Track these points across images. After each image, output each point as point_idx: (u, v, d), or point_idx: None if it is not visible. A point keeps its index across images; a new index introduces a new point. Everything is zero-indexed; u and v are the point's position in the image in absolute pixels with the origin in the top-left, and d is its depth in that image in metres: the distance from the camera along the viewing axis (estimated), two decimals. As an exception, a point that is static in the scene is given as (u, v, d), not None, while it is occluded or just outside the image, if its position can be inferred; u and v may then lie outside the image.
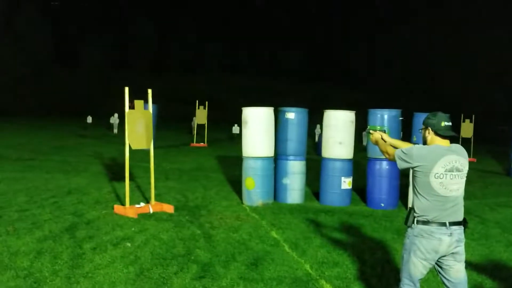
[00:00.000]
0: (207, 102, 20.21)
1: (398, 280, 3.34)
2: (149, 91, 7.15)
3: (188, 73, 55.19)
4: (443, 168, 2.97)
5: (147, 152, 7.27)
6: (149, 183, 7.26)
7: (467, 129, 17.85)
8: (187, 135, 24.24)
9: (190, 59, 58.84)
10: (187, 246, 5.28)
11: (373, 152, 8.06)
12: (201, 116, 20.27)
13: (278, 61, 58.73)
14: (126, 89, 6.72)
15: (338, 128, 8.10)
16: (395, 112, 8.00)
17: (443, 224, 2.98)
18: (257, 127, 7.81)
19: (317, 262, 4.90)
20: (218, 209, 7.32)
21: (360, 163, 10.07)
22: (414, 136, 8.09)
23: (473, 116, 17.98)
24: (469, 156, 17.39)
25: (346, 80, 49.77)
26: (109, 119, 26.83)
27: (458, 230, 3.00)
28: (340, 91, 44.64)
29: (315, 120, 11.54)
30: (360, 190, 8.81)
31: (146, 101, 7.10)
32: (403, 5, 55.15)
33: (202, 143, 20.00)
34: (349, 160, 8.17)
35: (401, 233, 5.60)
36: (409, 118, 8.56)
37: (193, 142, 20.14)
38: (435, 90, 40.55)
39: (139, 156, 11.03)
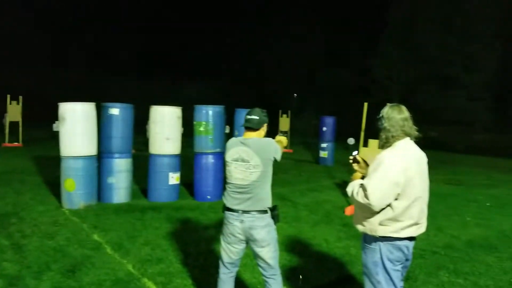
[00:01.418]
0: (21, 97, 18.03)
1: (218, 268, 3.52)
2: None
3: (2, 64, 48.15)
4: (231, 157, 3.26)
5: None
6: None
7: (284, 123, 19.77)
8: (-2, 134, 21.29)
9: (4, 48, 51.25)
10: (-9, 260, 4.69)
11: (199, 146, 8.33)
12: (14, 112, 18.00)
13: (109, 55, 55.31)
14: None
15: (164, 124, 8.12)
16: (218, 108, 8.38)
17: (235, 211, 3.24)
18: (76, 124, 7.30)
19: (140, 260, 4.86)
20: (32, 216, 6.65)
21: (189, 157, 10.26)
22: (236, 131, 8.61)
23: (289, 111, 19.98)
24: (286, 147, 19.32)
25: (178, 77, 49.95)
26: None
27: (251, 218, 3.21)
28: (172, 87, 44.63)
29: (147, 116, 11.32)
30: (189, 184, 9.00)
31: None
32: (233, 5, 57.81)
33: (16, 143, 17.83)
34: (176, 155, 8.27)
35: (223, 223, 5.92)
36: (231, 114, 9.07)
37: (5, 142, 17.79)
38: (263, 88, 43.65)
39: None
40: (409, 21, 35.86)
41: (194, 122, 8.41)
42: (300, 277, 4.58)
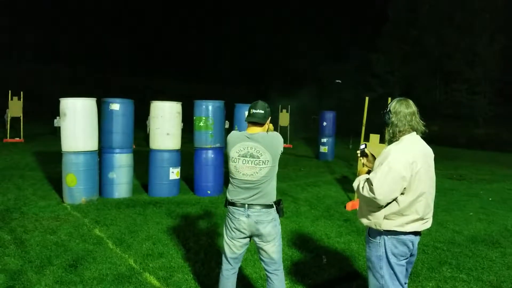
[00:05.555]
0: (22, 93, 18.03)
1: (219, 263, 3.52)
2: None
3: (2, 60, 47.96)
4: (237, 153, 3.17)
5: None
6: None
7: (284, 118, 19.75)
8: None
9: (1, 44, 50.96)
10: (-6, 255, 4.70)
11: (199, 142, 8.32)
12: (15, 108, 18.00)
13: (104, 51, 54.95)
14: None
15: (165, 119, 8.12)
16: (218, 103, 8.37)
17: (242, 206, 3.18)
18: (77, 119, 7.29)
19: (142, 255, 4.87)
20: (33, 211, 6.66)
21: (190, 153, 10.28)
22: (236, 126, 8.59)
23: (289, 106, 19.96)
24: (286, 142, 19.16)
25: (177, 73, 49.95)
26: None
27: (257, 213, 3.17)
28: (171, 83, 44.62)
29: (147, 112, 11.28)
30: (190, 179, 9.00)
31: None
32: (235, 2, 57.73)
33: (18, 138, 17.86)
34: (177, 150, 8.27)
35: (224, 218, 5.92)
36: (231, 109, 9.05)
37: (6, 138, 17.82)
38: (259, 84, 43.61)
39: None
40: (410, 15, 35.74)
41: (194, 117, 8.40)
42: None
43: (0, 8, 51.28)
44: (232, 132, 3.34)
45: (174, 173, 8.18)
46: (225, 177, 8.67)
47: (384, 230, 2.73)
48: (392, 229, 2.72)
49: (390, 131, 2.82)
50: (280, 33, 47.44)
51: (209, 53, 55.00)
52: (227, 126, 13.80)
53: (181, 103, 8.39)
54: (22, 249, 4.93)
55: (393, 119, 2.79)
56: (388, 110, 2.83)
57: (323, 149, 15.44)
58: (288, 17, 49.15)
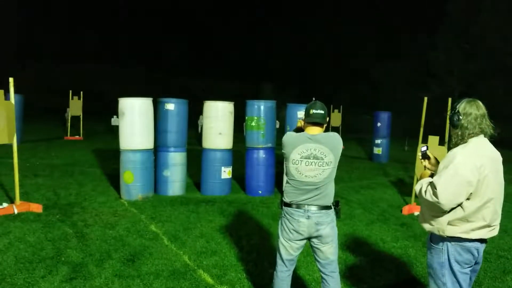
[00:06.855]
0: (82, 92, 18.95)
1: (272, 264, 3.50)
2: (11, 79, 6.46)
3: (60, 61, 50.67)
4: (299, 155, 3.11)
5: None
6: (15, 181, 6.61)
7: (336, 118, 19.43)
8: (61, 128, 22.46)
9: (61, 45, 53.81)
10: (57, 247, 4.95)
11: (251, 141, 8.35)
12: (75, 107, 18.96)
13: (159, 51, 56.61)
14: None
15: (217, 118, 8.22)
16: (270, 103, 8.36)
17: (301, 207, 3.14)
18: (135, 118, 7.55)
19: (196, 252, 4.95)
20: (93, 206, 6.97)
21: (241, 152, 10.35)
22: (288, 126, 8.54)
23: (341, 106, 19.60)
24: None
25: (228, 73, 50.59)
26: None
27: (317, 214, 3.13)
28: (223, 84, 45.26)
29: (198, 111, 11.46)
30: (241, 178, 9.07)
31: (7, 91, 6.41)
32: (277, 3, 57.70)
33: (78, 136, 18.77)
34: (228, 150, 8.35)
35: (276, 218, 5.90)
36: (283, 109, 9.01)
37: (67, 135, 18.79)
38: (309, 84, 43.23)
39: (4, 151, 10.02)
40: (471, 11, 34.01)
41: (246, 117, 8.44)
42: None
43: (61, 10, 54.28)
44: (289, 133, 3.29)
45: (226, 172, 8.27)
46: (277, 178, 8.66)
47: (447, 236, 2.61)
48: (456, 236, 2.59)
49: (459, 133, 2.68)
50: (333, 32, 46.77)
51: (259, 53, 55.20)
52: (277, 126, 13.77)
53: (233, 103, 8.46)
54: (83, 242, 5.16)
55: (462, 121, 2.65)
56: (456, 111, 2.69)
57: (377, 150, 15.03)
58: (341, 15, 48.40)
